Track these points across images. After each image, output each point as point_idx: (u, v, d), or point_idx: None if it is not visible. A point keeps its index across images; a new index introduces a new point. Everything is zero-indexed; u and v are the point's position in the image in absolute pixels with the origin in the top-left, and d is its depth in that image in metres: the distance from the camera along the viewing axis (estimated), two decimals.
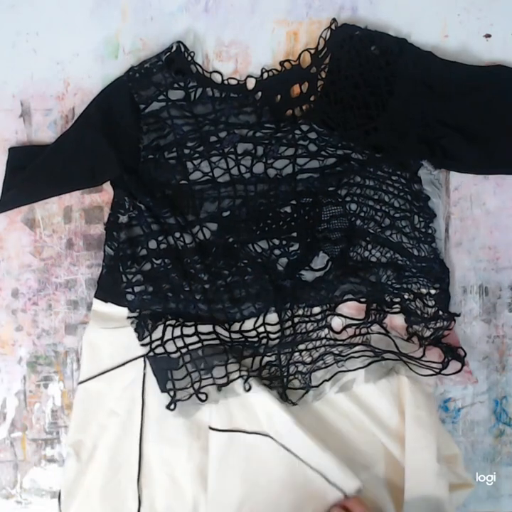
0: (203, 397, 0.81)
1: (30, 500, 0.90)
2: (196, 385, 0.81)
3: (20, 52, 0.87)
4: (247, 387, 0.80)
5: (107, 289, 0.86)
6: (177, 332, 0.82)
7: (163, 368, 0.81)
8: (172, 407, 0.81)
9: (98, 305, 0.86)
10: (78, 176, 0.85)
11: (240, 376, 0.81)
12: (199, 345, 0.82)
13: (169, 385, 0.81)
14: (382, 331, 0.83)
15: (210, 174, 0.85)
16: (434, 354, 0.81)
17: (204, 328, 0.83)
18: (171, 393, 0.81)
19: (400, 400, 0.81)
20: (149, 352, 0.82)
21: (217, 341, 0.83)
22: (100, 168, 0.85)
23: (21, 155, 0.87)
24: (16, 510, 0.90)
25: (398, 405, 0.81)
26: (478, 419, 0.87)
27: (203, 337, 0.82)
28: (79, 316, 0.89)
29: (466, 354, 0.82)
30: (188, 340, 0.82)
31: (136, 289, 0.83)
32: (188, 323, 0.82)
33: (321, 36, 0.85)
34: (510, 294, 0.89)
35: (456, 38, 0.87)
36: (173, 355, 0.81)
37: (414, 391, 0.80)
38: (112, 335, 0.84)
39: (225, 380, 0.81)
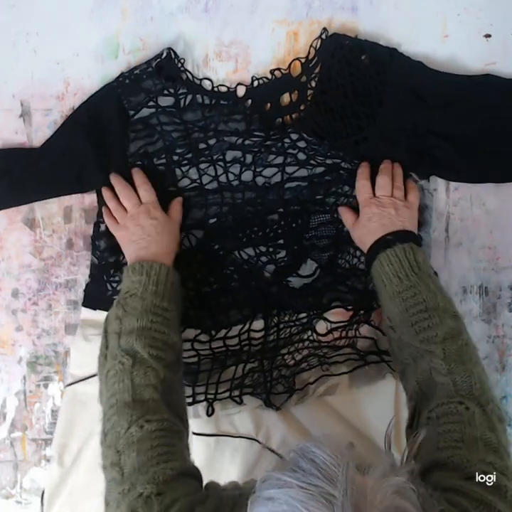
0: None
1: (30, 501, 0.90)
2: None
3: (20, 52, 0.87)
4: (210, 411, 0.81)
5: (94, 296, 0.86)
6: None
7: None
8: None
9: (86, 313, 0.86)
10: (64, 181, 0.85)
11: (206, 399, 0.81)
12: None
13: None
14: (369, 332, 0.83)
15: (198, 181, 0.85)
16: None
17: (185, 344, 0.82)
18: None
19: (393, 402, 0.81)
20: None
21: (195, 359, 0.83)
22: (86, 175, 0.84)
23: (7, 157, 0.86)
24: (16, 510, 0.90)
25: (392, 407, 0.81)
26: None
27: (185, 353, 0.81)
28: (79, 316, 0.88)
29: None
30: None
31: None
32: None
33: (311, 45, 0.85)
34: (510, 294, 0.89)
35: (456, 38, 0.86)
36: None
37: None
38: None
39: (190, 400, 0.81)
